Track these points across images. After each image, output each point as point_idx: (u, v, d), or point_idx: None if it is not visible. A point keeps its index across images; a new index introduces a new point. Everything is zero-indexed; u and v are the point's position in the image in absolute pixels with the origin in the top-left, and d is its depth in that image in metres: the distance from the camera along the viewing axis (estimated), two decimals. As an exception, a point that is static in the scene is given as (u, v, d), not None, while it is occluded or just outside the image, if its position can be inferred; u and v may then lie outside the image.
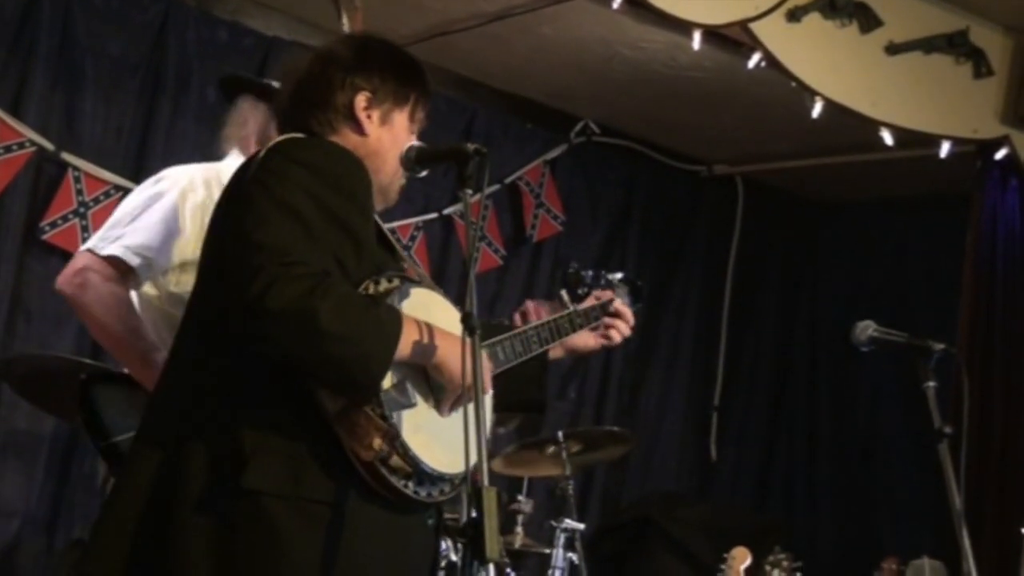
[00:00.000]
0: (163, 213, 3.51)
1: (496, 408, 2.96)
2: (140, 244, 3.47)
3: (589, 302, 3.38)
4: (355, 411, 2.50)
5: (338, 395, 2.50)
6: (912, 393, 3.56)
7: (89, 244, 3.55)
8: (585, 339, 3.34)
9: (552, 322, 3.22)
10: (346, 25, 4.31)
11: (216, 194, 3.45)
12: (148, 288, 3.54)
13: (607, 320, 3.35)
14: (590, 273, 3.66)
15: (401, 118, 2.85)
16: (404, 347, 2.53)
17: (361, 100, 2.79)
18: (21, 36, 5.46)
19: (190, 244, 3.48)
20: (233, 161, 3.66)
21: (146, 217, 3.51)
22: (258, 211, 2.53)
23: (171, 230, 3.49)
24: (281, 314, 2.40)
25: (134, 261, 3.46)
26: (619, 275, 3.68)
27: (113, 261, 3.47)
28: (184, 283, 3.47)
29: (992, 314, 6.17)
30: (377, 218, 2.77)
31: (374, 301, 2.58)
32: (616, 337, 3.37)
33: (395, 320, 2.53)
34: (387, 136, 2.82)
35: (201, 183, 3.56)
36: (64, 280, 3.51)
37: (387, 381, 2.54)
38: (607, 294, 3.41)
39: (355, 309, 2.47)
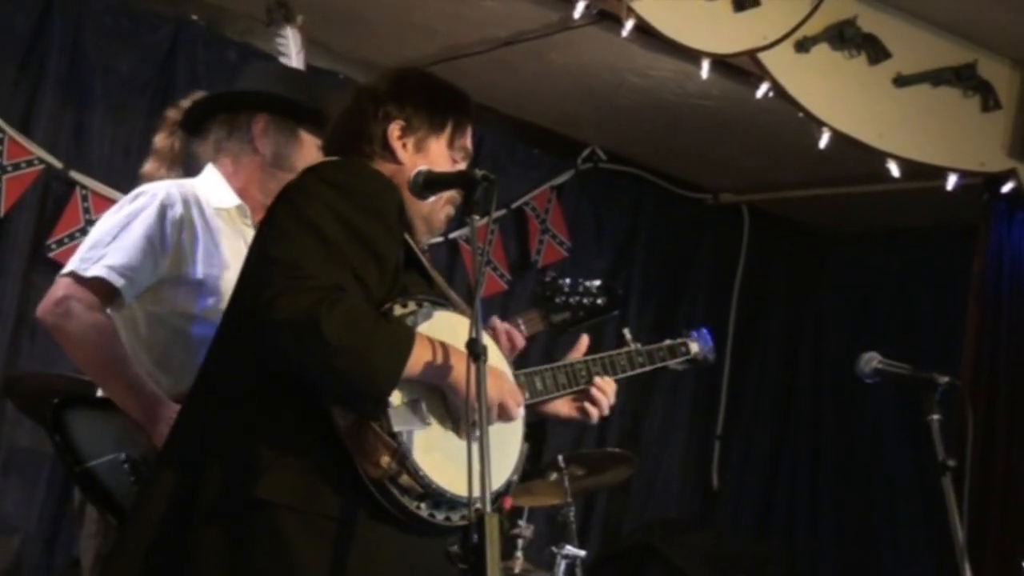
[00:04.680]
0: (144, 228, 3.35)
1: None
2: (124, 264, 3.30)
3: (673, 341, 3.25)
4: (364, 427, 2.49)
5: (348, 410, 2.49)
6: (915, 423, 3.55)
7: (70, 267, 3.35)
8: (559, 407, 3.07)
9: (608, 357, 3.13)
10: (292, 40, 4.20)
11: (193, 211, 3.40)
12: (128, 307, 3.38)
13: (594, 393, 3.05)
14: (567, 281, 3.58)
15: (438, 146, 2.85)
16: (415, 364, 2.51)
17: (395, 129, 2.81)
18: (31, 54, 5.49)
19: (169, 260, 3.36)
20: (208, 176, 3.54)
21: (127, 234, 3.34)
22: (279, 227, 2.58)
23: (153, 246, 3.34)
24: (286, 325, 2.42)
25: (119, 282, 3.29)
26: (597, 282, 3.58)
27: (96, 283, 3.30)
28: (162, 301, 3.36)
29: (996, 347, 6.16)
30: (412, 243, 2.75)
31: (385, 317, 2.56)
32: (594, 415, 3.05)
33: (406, 336, 2.53)
34: (423, 164, 2.80)
35: (179, 199, 3.42)
36: (45, 310, 3.33)
37: (399, 398, 2.52)
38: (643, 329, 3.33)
39: (362, 322, 2.46)
